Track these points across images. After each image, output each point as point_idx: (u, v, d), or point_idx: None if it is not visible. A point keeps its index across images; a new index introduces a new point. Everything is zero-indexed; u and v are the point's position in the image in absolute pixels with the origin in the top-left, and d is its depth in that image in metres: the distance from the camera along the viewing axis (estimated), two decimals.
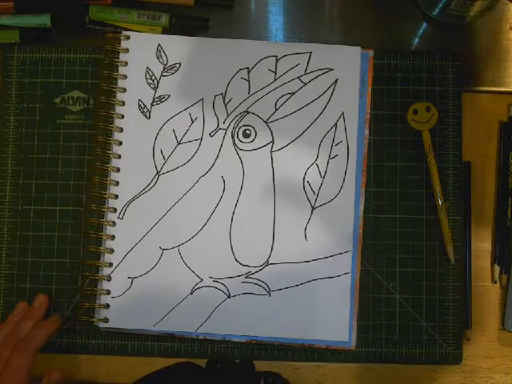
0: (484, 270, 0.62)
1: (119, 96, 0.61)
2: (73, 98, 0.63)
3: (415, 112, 0.62)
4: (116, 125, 0.61)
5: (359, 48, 0.62)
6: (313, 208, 0.60)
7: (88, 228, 0.60)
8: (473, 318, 0.60)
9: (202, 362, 0.60)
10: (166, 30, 0.63)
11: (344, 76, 0.61)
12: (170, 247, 0.60)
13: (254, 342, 0.59)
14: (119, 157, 0.61)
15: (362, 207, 0.60)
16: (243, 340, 0.59)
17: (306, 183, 0.60)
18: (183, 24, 0.63)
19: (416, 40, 0.64)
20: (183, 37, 0.62)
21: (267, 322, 0.59)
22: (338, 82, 0.61)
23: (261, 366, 0.59)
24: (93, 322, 0.59)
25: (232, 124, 0.61)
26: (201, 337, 0.59)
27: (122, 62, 0.61)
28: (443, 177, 0.61)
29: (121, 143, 0.61)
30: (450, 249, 0.60)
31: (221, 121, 0.61)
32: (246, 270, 0.60)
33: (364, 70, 0.61)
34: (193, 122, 0.61)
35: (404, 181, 0.61)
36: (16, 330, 0.57)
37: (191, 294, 0.59)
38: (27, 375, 0.54)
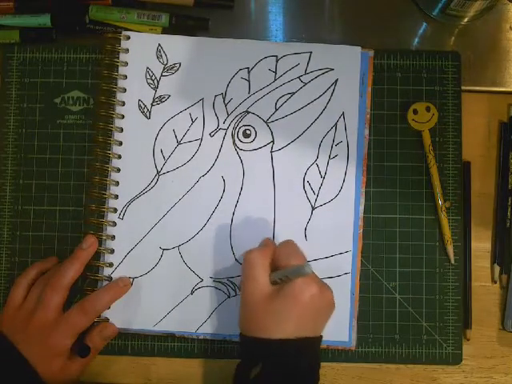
0: (484, 270, 0.62)
1: (119, 96, 0.61)
2: (73, 98, 0.63)
3: (415, 112, 0.61)
4: (116, 125, 0.61)
5: (359, 48, 0.62)
6: (313, 208, 0.60)
7: (88, 228, 0.60)
8: (473, 318, 0.60)
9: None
10: (166, 30, 0.63)
11: (344, 76, 0.61)
12: (170, 247, 0.60)
13: None
14: (119, 157, 0.61)
15: (361, 207, 0.60)
16: None
17: (306, 183, 0.60)
18: (183, 24, 0.63)
19: (416, 40, 0.64)
20: (183, 37, 0.62)
21: None
22: (338, 82, 0.61)
23: None
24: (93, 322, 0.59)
25: (232, 124, 0.61)
26: (201, 337, 0.59)
27: (122, 62, 0.61)
28: (443, 177, 0.61)
29: (121, 143, 0.61)
30: (450, 249, 0.60)
31: (221, 121, 0.61)
32: None
33: (364, 69, 0.61)
34: (193, 122, 0.61)
35: (404, 181, 0.61)
36: (60, 271, 0.57)
37: (191, 294, 0.59)
38: (57, 312, 0.55)
